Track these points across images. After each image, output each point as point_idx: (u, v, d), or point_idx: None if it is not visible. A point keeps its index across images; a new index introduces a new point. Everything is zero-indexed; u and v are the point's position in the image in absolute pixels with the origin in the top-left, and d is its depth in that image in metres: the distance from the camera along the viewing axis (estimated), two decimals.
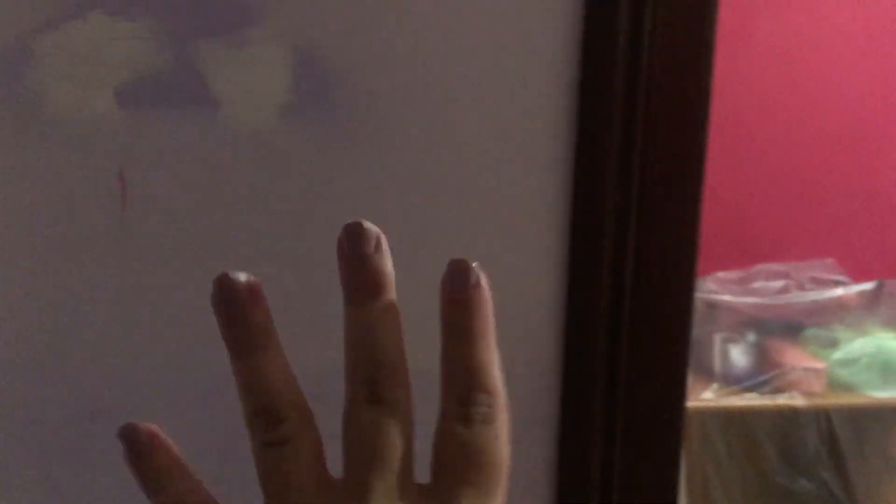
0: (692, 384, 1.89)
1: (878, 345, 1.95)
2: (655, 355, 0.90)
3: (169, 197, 0.72)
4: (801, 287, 2.15)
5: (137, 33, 0.68)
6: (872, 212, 2.30)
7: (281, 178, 0.74)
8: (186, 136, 0.71)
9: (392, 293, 0.28)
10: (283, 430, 0.27)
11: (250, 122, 0.72)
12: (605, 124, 0.80)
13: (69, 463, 0.74)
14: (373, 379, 0.27)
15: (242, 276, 0.28)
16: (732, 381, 1.92)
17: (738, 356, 1.97)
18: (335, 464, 0.28)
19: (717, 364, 1.96)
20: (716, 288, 2.07)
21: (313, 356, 0.78)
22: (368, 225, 0.28)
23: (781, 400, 1.88)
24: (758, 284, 2.16)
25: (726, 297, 2.04)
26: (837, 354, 1.96)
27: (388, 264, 0.28)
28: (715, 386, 1.91)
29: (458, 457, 0.27)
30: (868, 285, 2.10)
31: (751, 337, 2.02)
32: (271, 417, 0.27)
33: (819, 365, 1.92)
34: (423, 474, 0.28)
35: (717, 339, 1.98)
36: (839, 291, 2.09)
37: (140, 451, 0.28)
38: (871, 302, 2.09)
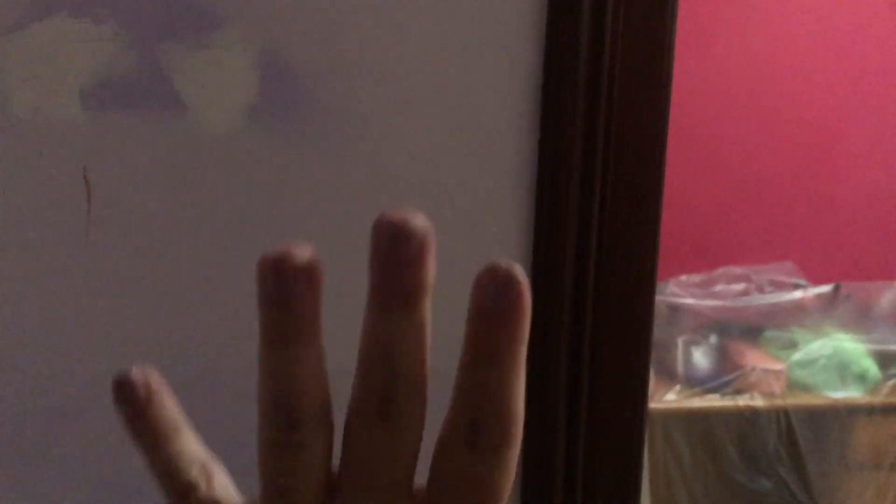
0: (656, 386, 1.92)
1: (835, 346, 1.99)
2: (617, 358, 0.91)
3: (134, 199, 0.72)
4: (760, 290, 2.20)
5: (103, 35, 0.68)
6: (830, 216, 2.35)
7: (247, 180, 0.74)
8: (152, 138, 0.71)
9: (427, 303, 0.24)
10: (300, 436, 0.24)
11: (216, 125, 0.72)
12: (567, 131, 0.82)
13: (29, 464, 0.74)
14: (388, 393, 0.24)
15: (307, 252, 0.23)
16: (695, 382, 1.95)
17: (700, 358, 2.00)
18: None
19: (679, 366, 1.99)
20: (678, 291, 2.11)
21: None
22: (415, 220, 0.23)
23: (742, 401, 1.92)
24: (719, 287, 2.20)
25: (689, 300, 2.08)
26: (796, 356, 2.00)
27: (429, 270, 0.23)
28: (678, 388, 1.94)
29: (459, 482, 0.25)
30: (825, 288, 2.15)
31: (712, 339, 2.05)
32: (291, 419, 0.24)
33: (778, 366, 1.96)
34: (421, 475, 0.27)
35: (680, 341, 2.01)
36: (798, 294, 2.14)
37: (136, 408, 0.25)
38: (828, 304, 2.14)
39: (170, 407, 0.26)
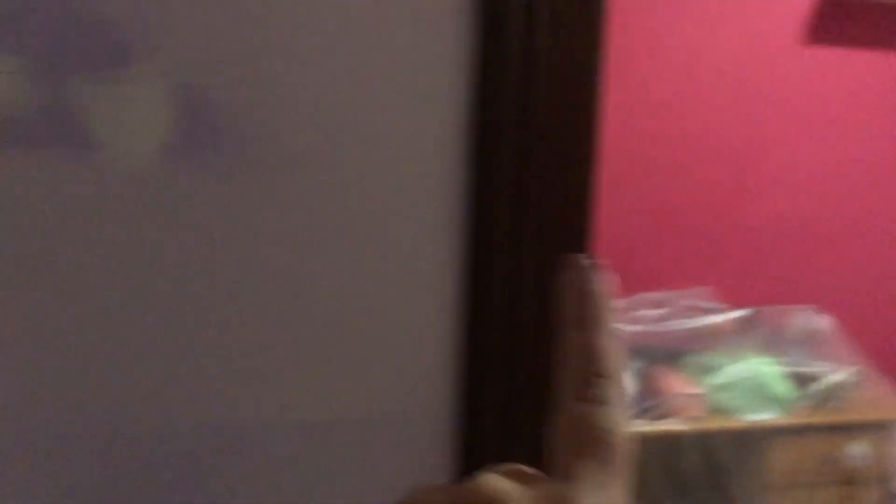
0: None
1: (753, 370, 2.04)
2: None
3: (39, 241, 0.67)
4: (680, 315, 2.24)
5: (5, 68, 0.64)
6: (746, 243, 2.43)
7: (164, 218, 0.71)
8: (60, 177, 0.66)
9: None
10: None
11: (130, 163, 0.68)
12: (495, 165, 0.81)
13: None
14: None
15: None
16: None
17: (625, 384, 2.02)
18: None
19: None
20: None
21: (213, 405, 0.74)
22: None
23: (666, 426, 1.94)
24: (640, 313, 2.23)
25: None
26: (715, 380, 2.04)
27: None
28: None
29: (577, 433, 0.29)
30: (742, 312, 2.21)
31: (634, 365, 2.07)
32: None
33: (699, 391, 1.99)
34: None
35: None
36: (716, 318, 2.19)
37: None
38: (745, 328, 2.19)
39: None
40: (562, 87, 0.82)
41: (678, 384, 2.00)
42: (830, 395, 2.05)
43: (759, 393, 2.01)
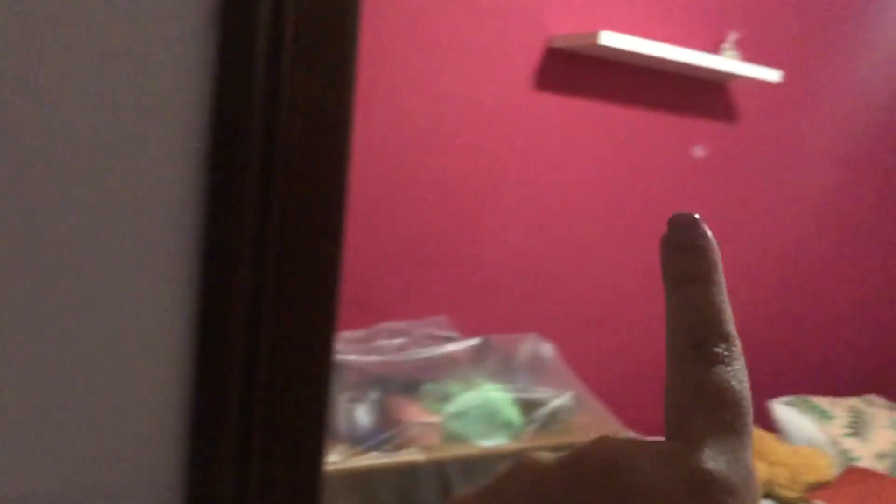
0: None
1: (485, 397, 2.10)
2: (292, 426, 0.84)
3: None
4: (418, 344, 2.26)
5: None
6: (478, 274, 2.52)
7: None
8: None
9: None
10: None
11: None
12: (239, 209, 0.74)
13: None
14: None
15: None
16: (357, 441, 1.93)
17: (363, 415, 1.99)
18: None
19: (342, 425, 1.96)
20: (342, 348, 2.09)
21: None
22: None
23: (402, 456, 1.93)
24: (380, 343, 2.22)
25: (351, 357, 2.06)
26: (450, 408, 2.07)
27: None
28: (341, 447, 1.90)
29: (701, 396, 0.27)
30: (475, 341, 2.28)
31: (373, 395, 2.05)
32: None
33: (435, 419, 2.02)
34: None
35: (343, 399, 1.98)
36: (451, 347, 2.23)
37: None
38: (477, 356, 2.27)
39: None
40: (312, 122, 0.78)
41: (416, 413, 2.01)
42: (553, 419, 2.17)
43: (491, 419, 2.08)
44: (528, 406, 2.16)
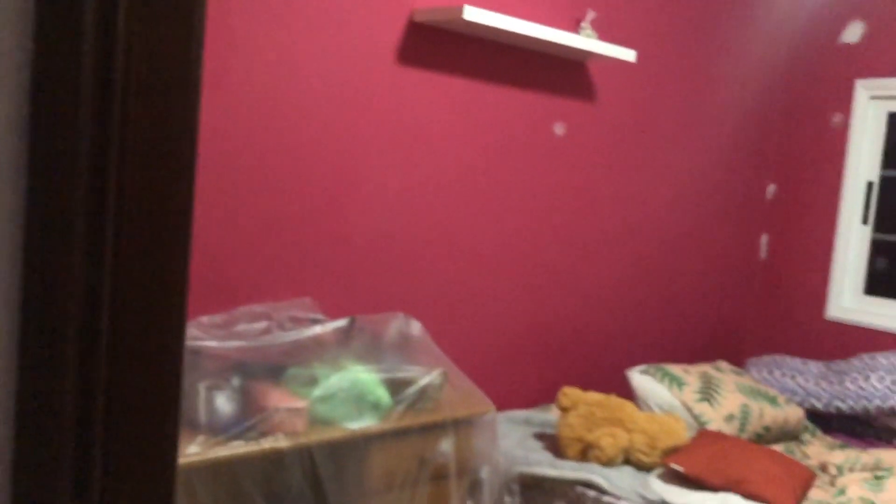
0: None
1: (352, 379, 2.06)
2: (139, 421, 0.77)
3: None
4: (282, 327, 2.18)
5: None
6: (342, 253, 2.46)
7: None
8: None
9: None
10: None
11: None
12: (68, 185, 0.66)
13: None
14: None
15: None
16: (219, 430, 1.84)
17: (224, 403, 1.89)
18: None
19: (202, 414, 1.86)
20: (199, 333, 1.98)
21: None
22: None
23: (267, 444, 1.86)
24: (241, 327, 2.13)
25: (210, 343, 1.96)
26: (317, 392, 2.01)
27: None
28: (201, 438, 1.80)
29: None
30: (341, 322, 2.22)
31: (235, 382, 1.96)
32: None
33: (301, 404, 1.95)
34: None
35: (202, 387, 1.88)
36: (316, 329, 2.17)
37: None
38: (344, 338, 2.21)
39: None
40: (156, 92, 0.70)
41: (280, 399, 1.94)
42: (422, 398, 2.15)
43: (359, 401, 2.03)
44: (396, 386, 2.13)
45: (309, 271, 2.39)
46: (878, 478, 2.48)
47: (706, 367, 3.11)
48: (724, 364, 3.24)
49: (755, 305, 3.84)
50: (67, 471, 0.74)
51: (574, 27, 2.85)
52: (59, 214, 0.68)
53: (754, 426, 2.88)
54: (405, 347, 2.29)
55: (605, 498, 2.36)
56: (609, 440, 2.49)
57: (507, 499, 2.40)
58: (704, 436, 2.67)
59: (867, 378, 3.07)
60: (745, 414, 2.88)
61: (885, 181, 3.50)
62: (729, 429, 2.82)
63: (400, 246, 2.58)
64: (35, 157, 0.67)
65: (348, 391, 2.03)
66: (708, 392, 2.92)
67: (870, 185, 3.51)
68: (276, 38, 2.24)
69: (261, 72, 2.22)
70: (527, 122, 2.85)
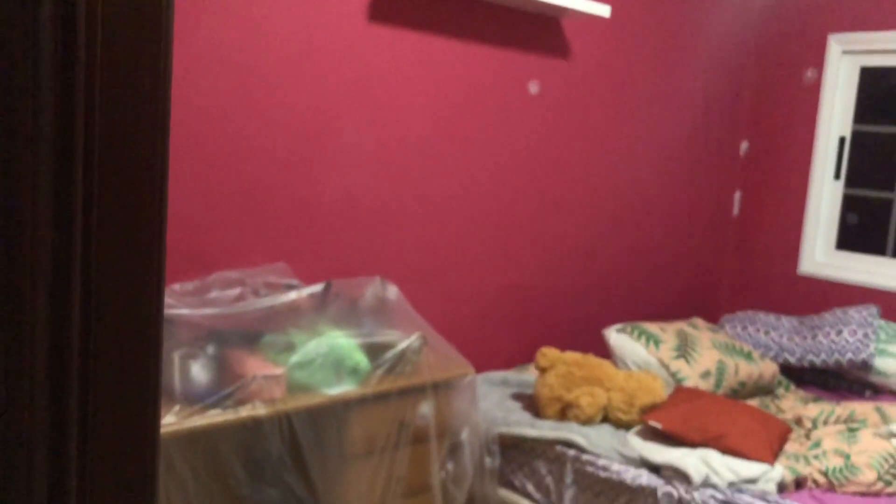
0: None
1: (330, 344, 2.03)
2: (116, 393, 0.74)
3: None
4: (256, 293, 2.14)
5: None
6: (316, 217, 2.41)
7: None
8: None
9: None
10: None
11: None
12: (32, 152, 0.62)
13: None
14: None
15: None
16: (195, 399, 1.81)
17: (199, 372, 1.86)
18: None
19: (177, 383, 1.83)
20: (172, 301, 1.94)
21: None
22: None
23: (244, 412, 1.83)
24: (214, 294, 2.09)
25: (184, 311, 1.92)
26: (294, 358, 1.98)
27: None
28: (177, 408, 1.77)
29: None
30: (317, 287, 2.18)
31: (210, 350, 1.92)
32: None
33: (278, 371, 1.92)
34: None
35: (176, 356, 1.84)
36: (292, 295, 2.13)
37: None
38: (320, 303, 2.18)
39: None
40: (124, 53, 0.66)
41: (257, 366, 1.90)
42: (400, 361, 2.13)
43: (337, 367, 2.01)
44: (374, 350, 2.11)
45: (282, 236, 2.35)
46: (851, 430, 2.51)
47: (682, 325, 3.12)
48: (699, 321, 3.26)
49: (729, 262, 3.86)
50: (42, 449, 0.70)
51: None
52: (25, 181, 0.64)
53: (730, 382, 2.90)
54: (382, 311, 2.27)
55: (585, 456, 2.37)
56: (588, 399, 2.50)
57: (487, 460, 2.40)
58: (681, 392, 2.69)
59: (839, 332, 3.11)
60: (721, 370, 2.90)
61: (857, 136, 3.51)
62: (705, 385, 2.84)
63: (373, 208, 2.54)
64: None
65: (326, 357, 2.00)
66: (684, 349, 2.93)
67: (842, 140, 3.52)
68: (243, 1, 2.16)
69: (226, 33, 2.15)
70: (501, 79, 2.81)
